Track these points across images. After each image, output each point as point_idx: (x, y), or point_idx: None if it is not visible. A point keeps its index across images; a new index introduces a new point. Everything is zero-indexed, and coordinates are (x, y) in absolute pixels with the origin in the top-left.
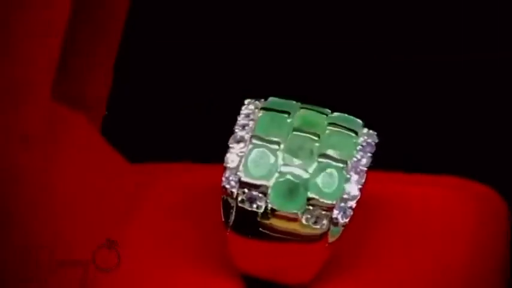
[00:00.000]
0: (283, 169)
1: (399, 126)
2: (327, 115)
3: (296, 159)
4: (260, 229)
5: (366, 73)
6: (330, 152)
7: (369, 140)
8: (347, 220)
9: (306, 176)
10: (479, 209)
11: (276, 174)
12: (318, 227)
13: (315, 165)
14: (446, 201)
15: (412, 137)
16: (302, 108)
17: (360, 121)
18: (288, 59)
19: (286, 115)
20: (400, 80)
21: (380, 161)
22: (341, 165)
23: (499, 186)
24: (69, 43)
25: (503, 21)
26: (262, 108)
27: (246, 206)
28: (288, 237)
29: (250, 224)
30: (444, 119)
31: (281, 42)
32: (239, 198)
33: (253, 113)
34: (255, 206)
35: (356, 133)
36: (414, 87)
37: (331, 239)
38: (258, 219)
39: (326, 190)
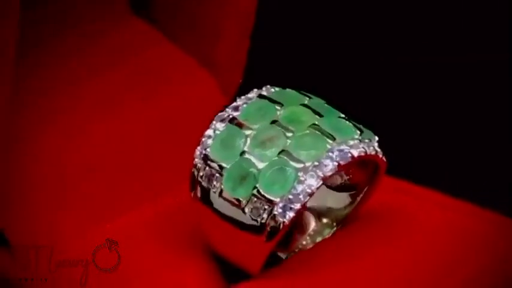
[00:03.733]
0: (244, 155)
1: (405, 128)
2: (322, 116)
3: (258, 149)
4: (214, 206)
5: (372, 74)
6: (295, 150)
7: (350, 151)
8: (286, 220)
9: (260, 166)
10: (498, 243)
11: (236, 159)
12: (258, 219)
13: (273, 159)
14: (468, 231)
15: (418, 139)
16: (302, 104)
17: (358, 131)
18: (293, 60)
19: (278, 106)
20: (407, 82)
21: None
22: (298, 165)
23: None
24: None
25: (511, 22)
26: (259, 96)
27: (204, 182)
28: (233, 222)
29: (207, 199)
30: (451, 120)
31: (286, 43)
32: (200, 174)
33: (255, 97)
34: (211, 184)
35: (334, 139)
36: (421, 89)
37: (270, 235)
38: (213, 197)
39: (273, 185)
